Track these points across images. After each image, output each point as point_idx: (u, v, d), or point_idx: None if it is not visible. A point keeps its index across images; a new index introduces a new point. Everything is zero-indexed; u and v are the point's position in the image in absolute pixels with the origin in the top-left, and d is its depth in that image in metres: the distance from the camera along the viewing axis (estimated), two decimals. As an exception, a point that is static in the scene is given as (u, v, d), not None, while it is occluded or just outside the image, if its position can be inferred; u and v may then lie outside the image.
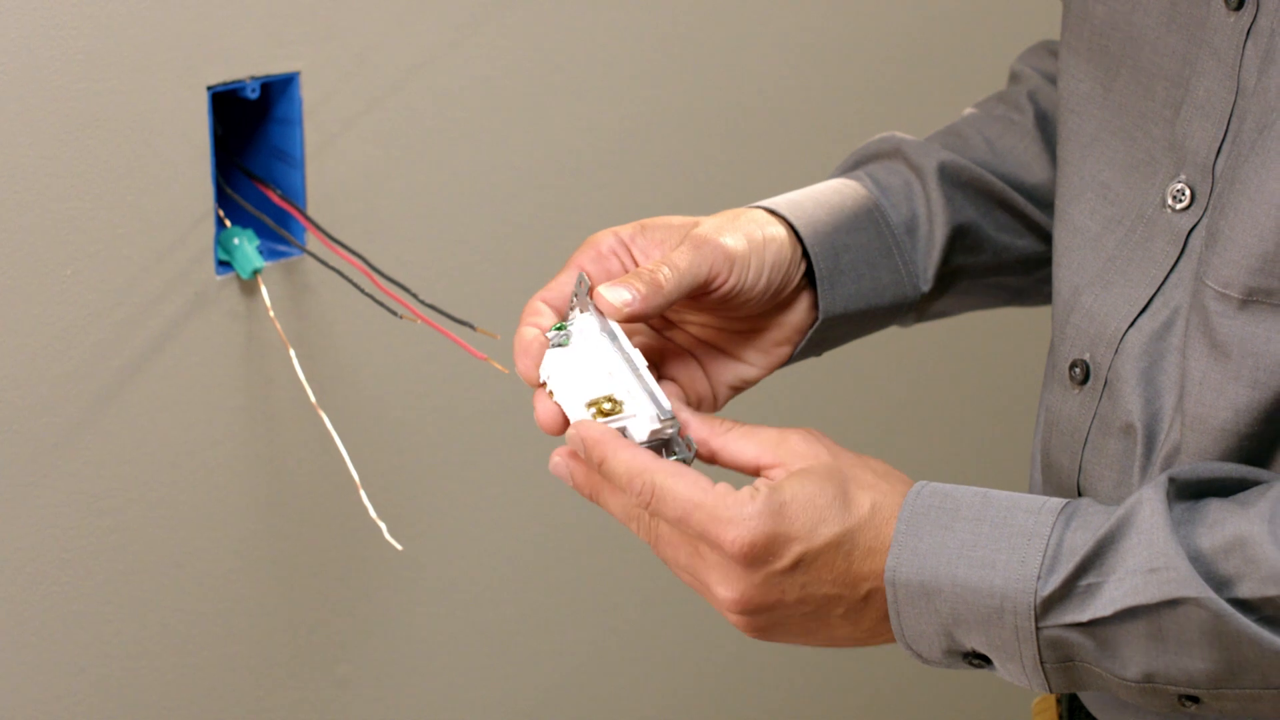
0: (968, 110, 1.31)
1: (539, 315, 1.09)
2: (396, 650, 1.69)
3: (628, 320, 1.07)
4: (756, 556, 0.99)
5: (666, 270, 1.08)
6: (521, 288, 1.44)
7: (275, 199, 1.51)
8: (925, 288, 1.22)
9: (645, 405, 1.05)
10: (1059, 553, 0.98)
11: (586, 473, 1.05)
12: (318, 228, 1.51)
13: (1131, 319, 1.09)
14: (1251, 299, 1.01)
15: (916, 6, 1.93)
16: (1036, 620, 0.98)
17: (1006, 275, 1.27)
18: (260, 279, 1.50)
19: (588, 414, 1.05)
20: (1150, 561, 0.96)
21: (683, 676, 1.93)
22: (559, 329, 1.08)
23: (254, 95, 1.48)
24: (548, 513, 1.77)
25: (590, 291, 1.08)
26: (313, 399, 1.51)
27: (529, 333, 1.08)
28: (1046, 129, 1.28)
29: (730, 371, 1.17)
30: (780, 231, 1.15)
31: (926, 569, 0.99)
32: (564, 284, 1.10)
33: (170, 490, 1.51)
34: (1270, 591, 0.95)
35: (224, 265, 1.49)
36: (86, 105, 1.40)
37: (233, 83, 1.47)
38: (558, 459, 1.06)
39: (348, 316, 1.57)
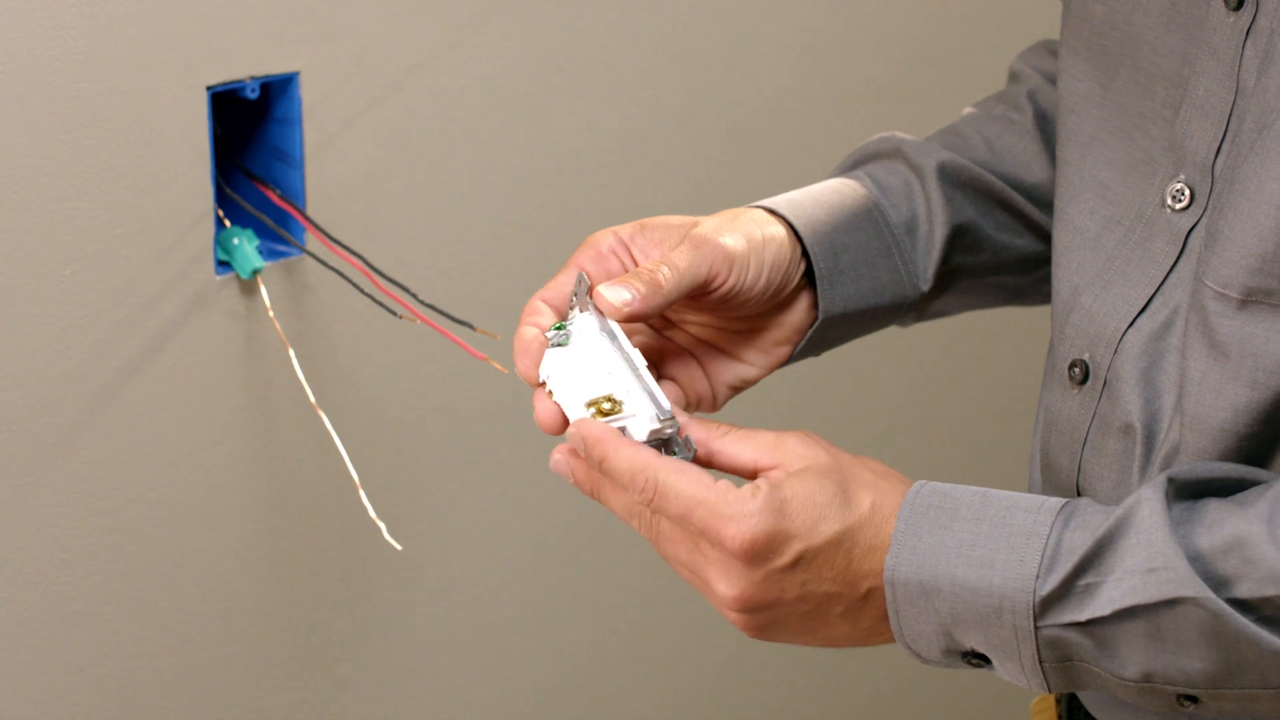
0: (967, 110, 1.31)
1: (539, 315, 1.09)
2: (396, 650, 1.69)
3: (627, 320, 1.07)
4: (757, 554, 0.99)
5: (666, 270, 1.08)
6: (521, 288, 1.44)
7: (275, 199, 1.51)
8: (925, 287, 1.22)
9: (645, 405, 1.05)
10: (1058, 552, 0.98)
11: (587, 470, 1.05)
12: (317, 228, 1.51)
13: (1131, 319, 1.09)
14: (1251, 299, 1.01)
15: (916, 6, 1.93)
16: (1035, 620, 0.98)
17: (1006, 275, 1.27)
18: (260, 279, 1.50)
19: (587, 414, 1.05)
20: (1149, 561, 0.96)
21: (683, 676, 1.93)
22: (559, 329, 1.08)
23: (254, 95, 1.48)
24: (548, 513, 1.77)
25: (590, 291, 1.08)
26: (312, 399, 1.51)
27: (529, 332, 1.08)
28: (1046, 129, 1.28)
29: (730, 371, 1.17)
30: (780, 231, 1.15)
31: (925, 568, 0.99)
32: (564, 284, 1.10)
33: (169, 490, 1.51)
34: (1269, 591, 0.95)
35: (223, 265, 1.49)
36: (86, 105, 1.40)
37: (232, 83, 1.47)
38: (558, 456, 1.06)
39: (347, 316, 1.57)
